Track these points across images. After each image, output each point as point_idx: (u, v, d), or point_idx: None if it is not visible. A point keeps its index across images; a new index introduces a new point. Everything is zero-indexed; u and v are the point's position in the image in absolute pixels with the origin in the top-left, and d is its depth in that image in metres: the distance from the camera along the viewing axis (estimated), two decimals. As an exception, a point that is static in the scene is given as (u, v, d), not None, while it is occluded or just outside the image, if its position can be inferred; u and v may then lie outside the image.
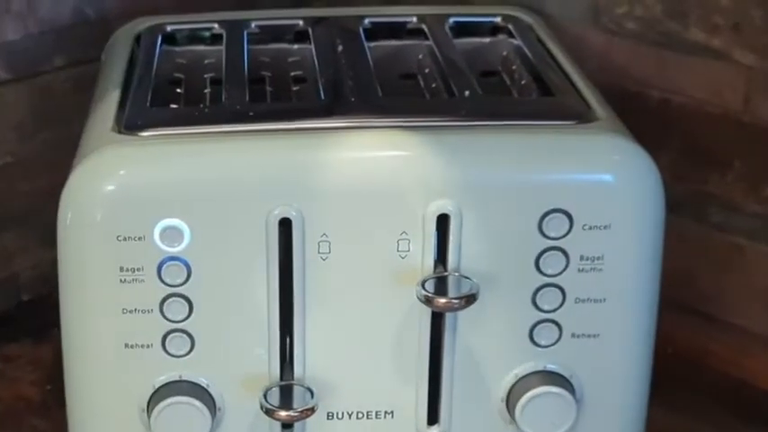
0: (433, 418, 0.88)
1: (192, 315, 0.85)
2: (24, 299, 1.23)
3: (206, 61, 1.02)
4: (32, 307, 1.22)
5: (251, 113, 0.86)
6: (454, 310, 0.81)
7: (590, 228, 0.83)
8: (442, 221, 0.82)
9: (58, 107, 1.18)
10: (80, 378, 0.88)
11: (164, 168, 0.83)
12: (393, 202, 0.82)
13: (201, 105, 0.91)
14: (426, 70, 1.00)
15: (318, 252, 0.83)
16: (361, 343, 0.86)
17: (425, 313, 0.84)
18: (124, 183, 0.82)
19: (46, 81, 1.17)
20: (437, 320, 0.85)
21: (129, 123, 0.86)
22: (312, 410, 0.84)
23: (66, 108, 1.16)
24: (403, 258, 0.83)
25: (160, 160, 0.83)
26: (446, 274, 0.82)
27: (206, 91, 0.98)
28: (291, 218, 0.82)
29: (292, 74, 1.01)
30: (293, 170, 0.82)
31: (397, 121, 0.85)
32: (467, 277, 0.82)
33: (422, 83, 1.00)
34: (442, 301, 0.80)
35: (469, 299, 0.80)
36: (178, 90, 0.99)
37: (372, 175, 0.82)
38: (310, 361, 0.86)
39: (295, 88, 0.99)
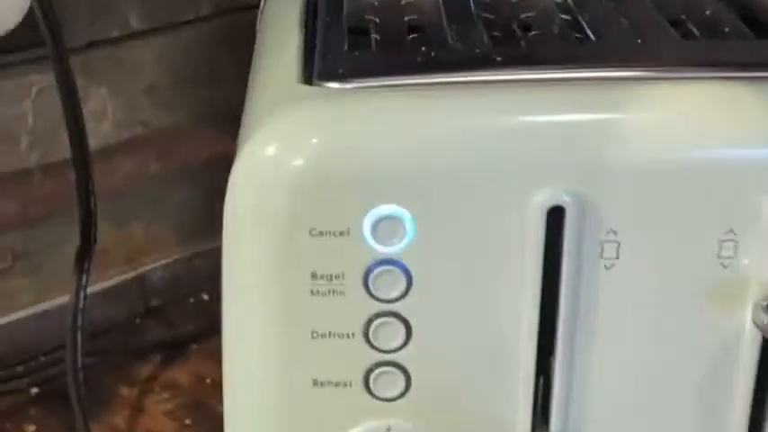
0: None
1: (410, 343, 0.59)
2: (153, 304, 1.00)
3: (403, 1, 0.76)
4: (163, 315, 0.99)
5: (499, 58, 0.60)
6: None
7: None
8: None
9: (203, 64, 0.94)
10: (247, 427, 0.63)
11: (380, 133, 0.57)
12: (718, 184, 0.56)
13: (424, 49, 0.65)
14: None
15: (602, 257, 0.57)
16: (650, 389, 0.60)
17: (752, 350, 0.58)
18: (321, 155, 0.57)
19: (188, 34, 0.93)
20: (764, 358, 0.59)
21: (326, 71, 0.61)
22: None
23: (215, 66, 0.92)
24: (725, 268, 0.57)
25: (374, 122, 0.57)
26: (794, 292, 0.56)
27: (410, 37, 0.72)
28: (565, 206, 0.56)
29: (522, 15, 0.75)
30: (573, 137, 0.56)
31: (713, 71, 0.59)
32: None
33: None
34: (798, 332, 0.54)
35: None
36: (372, 36, 0.74)
37: (686, 145, 0.56)
38: (576, 413, 0.60)
39: (529, 33, 0.74)
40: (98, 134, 0.87)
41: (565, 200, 0.56)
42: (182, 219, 0.98)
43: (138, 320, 0.98)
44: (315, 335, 0.60)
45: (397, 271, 0.58)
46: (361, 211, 0.57)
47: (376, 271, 0.58)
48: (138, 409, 0.87)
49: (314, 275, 0.58)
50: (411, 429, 0.61)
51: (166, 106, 0.93)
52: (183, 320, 0.98)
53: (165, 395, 0.89)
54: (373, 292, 0.58)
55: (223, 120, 0.84)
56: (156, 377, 0.91)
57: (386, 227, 0.57)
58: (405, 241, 0.58)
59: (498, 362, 0.60)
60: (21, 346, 0.90)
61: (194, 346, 0.93)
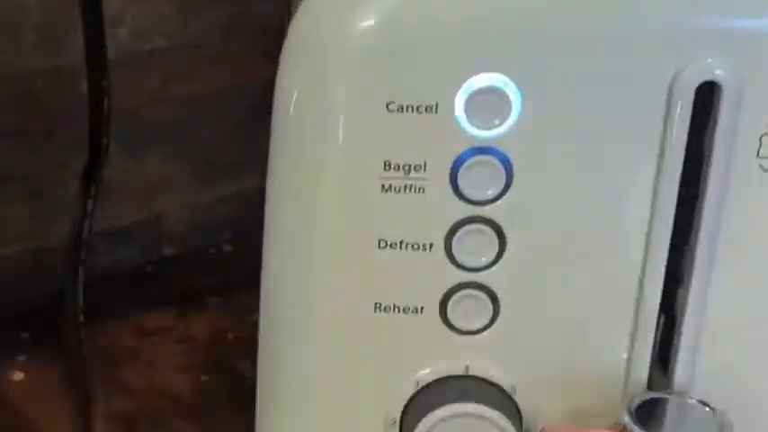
0: None
1: (504, 260, 0.47)
2: (167, 253, 0.87)
3: None
4: (179, 264, 0.86)
5: None
6: None
7: None
8: None
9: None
10: (289, 361, 0.50)
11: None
12: None
13: None
14: None
15: (758, 155, 0.45)
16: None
17: None
18: (398, 10, 0.45)
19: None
20: None
21: None
22: (723, 448, 0.45)
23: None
24: None
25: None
26: None
27: None
28: (720, 83, 0.44)
29: None
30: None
31: None
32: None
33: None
34: None
35: None
36: None
37: None
38: (706, 358, 0.48)
39: None
40: (112, 43, 0.74)
41: (720, 75, 0.44)
42: (206, 154, 0.85)
43: (149, 268, 0.85)
44: (383, 244, 0.47)
45: (495, 162, 0.46)
46: (453, 81, 0.44)
47: (468, 161, 0.46)
48: (147, 363, 0.74)
49: (387, 165, 0.46)
50: (494, 372, 0.49)
51: (195, 17, 0.80)
52: (200, 272, 0.85)
53: (179, 349, 0.76)
54: (462, 190, 0.46)
55: (261, 37, 0.72)
56: (168, 330, 0.78)
57: (485, 103, 0.45)
58: (509, 123, 0.45)
59: (612, 290, 0.47)
60: (12, 284, 0.78)
61: (213, 299, 0.81)
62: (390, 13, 0.45)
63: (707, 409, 0.47)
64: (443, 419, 0.48)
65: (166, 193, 0.86)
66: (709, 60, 0.43)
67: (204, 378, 0.73)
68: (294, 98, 0.46)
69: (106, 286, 0.79)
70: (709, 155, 0.45)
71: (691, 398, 0.48)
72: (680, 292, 0.47)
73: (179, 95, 0.83)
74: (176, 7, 0.80)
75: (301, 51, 0.46)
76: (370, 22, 0.45)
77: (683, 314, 0.47)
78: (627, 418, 0.46)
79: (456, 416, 0.48)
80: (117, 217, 0.84)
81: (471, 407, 0.48)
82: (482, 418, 0.48)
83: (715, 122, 0.44)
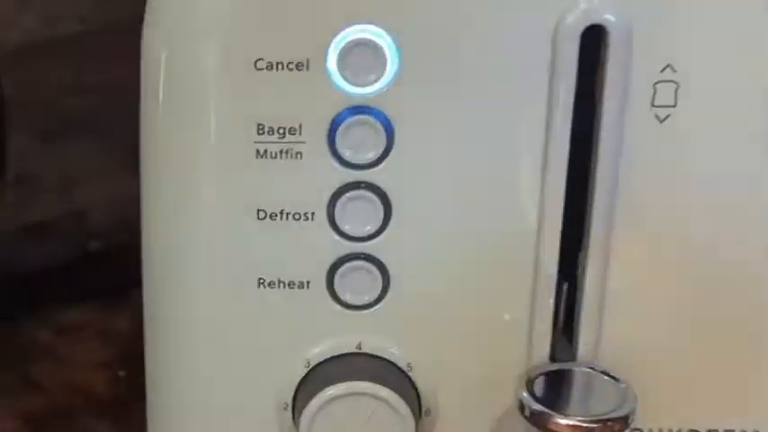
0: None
1: (389, 226, 0.44)
2: (93, 248, 0.84)
3: None
4: (104, 259, 0.83)
5: None
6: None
7: None
8: None
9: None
10: (169, 341, 0.47)
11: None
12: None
13: None
14: None
15: (653, 104, 0.42)
16: (709, 294, 0.44)
17: None
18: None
19: None
20: None
21: None
22: (626, 423, 0.42)
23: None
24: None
25: None
26: None
27: None
28: (606, 26, 0.41)
29: None
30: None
31: None
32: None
33: None
34: None
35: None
36: None
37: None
38: (608, 327, 0.45)
39: None
40: (19, 27, 0.71)
41: (607, 18, 0.41)
42: (130, 144, 0.82)
43: (73, 265, 0.82)
44: (262, 215, 0.44)
45: (374, 122, 0.42)
46: (325, 34, 0.42)
47: (345, 122, 0.43)
48: (60, 359, 0.71)
49: (261, 129, 0.43)
50: (388, 348, 0.46)
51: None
52: (125, 267, 0.82)
53: (96, 344, 0.73)
54: (341, 152, 0.43)
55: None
56: (87, 325, 0.75)
57: (359, 57, 0.42)
58: (385, 79, 0.42)
59: (507, 257, 0.44)
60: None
61: (137, 293, 0.78)
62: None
63: (611, 379, 0.44)
64: (334, 399, 0.45)
65: (90, 185, 0.83)
66: (596, 3, 0.41)
67: (122, 374, 0.70)
68: (160, 60, 0.43)
69: (28, 283, 0.76)
70: (600, 105, 0.42)
71: (594, 368, 0.45)
72: (579, 256, 0.45)
73: (97, 83, 0.80)
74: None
75: (164, 10, 0.43)
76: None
77: (582, 281, 0.44)
78: (524, 393, 0.43)
79: (347, 395, 0.45)
80: (39, 212, 0.81)
81: (363, 386, 0.45)
82: (375, 397, 0.45)
83: (603, 69, 0.41)
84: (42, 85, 0.75)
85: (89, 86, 0.79)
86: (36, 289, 0.78)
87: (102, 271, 0.82)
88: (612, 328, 0.45)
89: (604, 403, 0.43)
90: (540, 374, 0.44)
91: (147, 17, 0.44)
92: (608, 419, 0.42)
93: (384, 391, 0.45)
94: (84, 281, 0.81)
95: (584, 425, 0.42)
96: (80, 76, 0.78)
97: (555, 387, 0.44)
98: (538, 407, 0.43)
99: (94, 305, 0.78)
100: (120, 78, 0.80)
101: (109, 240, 0.84)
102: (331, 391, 0.45)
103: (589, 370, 0.44)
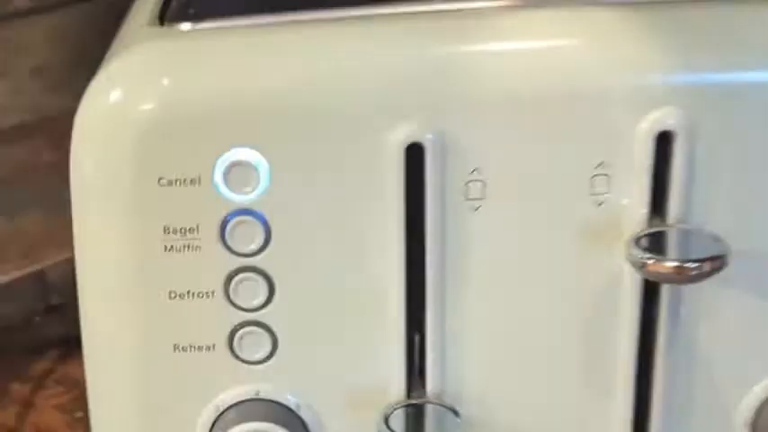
0: (639, 454, 0.58)
1: (274, 299, 0.56)
2: (54, 302, 0.95)
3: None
4: (64, 313, 0.94)
5: (355, -5, 0.57)
6: (690, 280, 0.51)
7: None
8: (663, 144, 0.53)
9: (97, 43, 0.90)
10: (108, 398, 0.59)
11: (229, 73, 0.54)
12: (584, 115, 0.53)
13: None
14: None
15: (466, 197, 0.54)
16: (529, 339, 0.56)
17: (633, 291, 0.55)
18: (170, 97, 0.54)
19: (80, 11, 0.89)
20: (650, 302, 0.55)
21: (178, 12, 0.57)
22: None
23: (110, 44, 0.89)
24: (599, 206, 0.54)
25: (224, 62, 0.54)
26: (670, 227, 0.53)
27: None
28: (425, 144, 0.53)
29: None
30: (429, 70, 0.53)
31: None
32: (708, 233, 0.52)
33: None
34: (671, 265, 0.50)
35: (715, 264, 0.50)
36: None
37: (555, 74, 0.53)
38: (452, 368, 0.57)
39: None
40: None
41: (424, 136, 0.53)
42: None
43: (36, 318, 0.93)
44: (173, 295, 0.56)
45: (254, 221, 0.55)
46: (211, 156, 0.54)
47: (232, 222, 0.55)
48: (28, 404, 0.83)
49: (167, 230, 0.55)
50: (280, 393, 0.58)
51: (57, 90, 0.89)
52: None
53: (59, 390, 0.84)
54: (230, 245, 0.55)
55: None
56: (50, 372, 0.86)
57: (238, 173, 0.54)
58: (260, 188, 0.54)
59: (369, 318, 0.56)
60: None
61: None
62: (162, 102, 0.53)
63: (453, 413, 0.56)
64: (238, 437, 0.57)
65: (48, 248, 0.95)
66: (413, 126, 0.53)
67: (79, 414, 0.81)
68: (85, 177, 0.55)
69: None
70: (425, 202, 0.54)
71: (441, 405, 0.57)
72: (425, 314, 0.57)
73: (50, 161, 0.91)
74: (39, 84, 0.89)
75: (87, 135, 0.55)
76: (147, 110, 0.54)
77: (424, 333, 0.56)
78: (381, 424, 0.55)
79: (248, 432, 0.57)
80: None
81: (260, 425, 0.57)
82: (270, 433, 0.57)
83: (424, 175, 0.53)
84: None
85: (44, 167, 0.90)
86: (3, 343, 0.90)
87: (61, 324, 0.93)
88: (455, 368, 0.57)
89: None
90: (396, 409, 0.56)
91: (77, 134, 0.56)
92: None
93: (276, 428, 0.57)
94: (44, 333, 0.92)
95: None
96: (34, 158, 0.89)
97: (408, 419, 0.56)
98: (396, 437, 0.55)
99: (54, 353, 0.89)
100: (67, 159, 0.92)
101: (66, 296, 0.96)
102: (235, 429, 0.57)
103: (439, 406, 0.56)
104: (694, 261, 0.50)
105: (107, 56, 0.58)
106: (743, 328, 0.55)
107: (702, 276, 0.50)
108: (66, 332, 0.92)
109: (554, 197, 0.54)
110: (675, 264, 0.50)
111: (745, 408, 0.56)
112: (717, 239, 0.51)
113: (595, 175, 0.53)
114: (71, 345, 0.90)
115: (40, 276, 0.95)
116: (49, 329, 0.93)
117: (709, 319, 0.55)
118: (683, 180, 0.53)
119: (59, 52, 0.89)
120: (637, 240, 0.51)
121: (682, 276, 0.50)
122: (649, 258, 0.50)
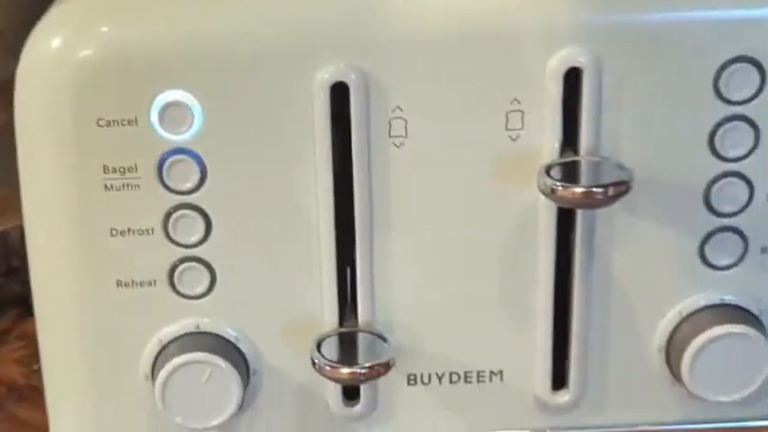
0: (559, 378, 0.62)
1: (211, 235, 0.59)
2: (15, 264, 0.98)
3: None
4: (24, 273, 0.97)
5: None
6: (597, 204, 0.54)
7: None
8: (572, 80, 0.56)
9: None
10: (55, 337, 0.62)
11: (163, 19, 0.56)
12: (498, 54, 0.56)
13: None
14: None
15: (390, 135, 0.57)
16: (453, 271, 0.59)
17: (548, 221, 0.58)
18: (108, 43, 0.56)
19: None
20: (566, 231, 0.59)
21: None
22: (387, 366, 0.57)
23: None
24: (514, 141, 0.57)
25: (159, 9, 0.57)
26: (580, 158, 0.56)
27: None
28: (349, 83, 0.56)
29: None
30: (351, 10, 0.56)
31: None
32: (614, 162, 0.55)
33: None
34: (578, 191, 0.53)
35: (619, 188, 0.54)
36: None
37: (470, 15, 0.56)
38: (382, 298, 0.60)
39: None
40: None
41: (347, 76, 0.56)
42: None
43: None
44: (114, 232, 0.59)
45: (190, 160, 0.58)
46: (147, 98, 0.56)
47: (168, 161, 0.57)
48: (-11, 359, 0.86)
49: (106, 169, 0.58)
50: (219, 326, 0.61)
51: (12, 53, 0.92)
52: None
53: (18, 345, 0.87)
54: (168, 183, 0.58)
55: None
56: (11, 330, 0.89)
57: (173, 114, 0.57)
58: (194, 128, 0.57)
59: (302, 252, 0.59)
60: None
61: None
62: (101, 47, 0.56)
63: (382, 340, 0.59)
64: (182, 366, 0.60)
65: (9, 211, 0.97)
66: (338, 65, 0.56)
67: (36, 366, 0.84)
68: (28, 122, 0.58)
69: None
70: (350, 139, 0.57)
71: (371, 332, 0.60)
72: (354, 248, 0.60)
73: (6, 124, 0.94)
74: None
75: (29, 76, 0.58)
76: (86, 56, 0.57)
77: (355, 266, 0.60)
78: (313, 351, 0.58)
79: (189, 363, 0.60)
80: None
81: (200, 355, 0.60)
82: (212, 365, 0.60)
83: (349, 113, 0.56)
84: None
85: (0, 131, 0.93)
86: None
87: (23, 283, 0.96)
88: (385, 298, 0.60)
89: (374, 355, 0.58)
90: (329, 336, 0.59)
91: (20, 79, 0.58)
92: (374, 365, 0.57)
93: (215, 358, 0.60)
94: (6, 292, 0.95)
95: (358, 370, 0.57)
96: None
97: (346, 348, 0.59)
98: (324, 361, 0.58)
99: (14, 312, 0.92)
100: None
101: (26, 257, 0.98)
102: (176, 360, 0.59)
103: (364, 333, 0.60)
104: (600, 186, 0.53)
105: (52, 5, 0.61)
106: (653, 255, 0.59)
107: (608, 200, 0.53)
108: (25, 292, 0.95)
109: (472, 134, 0.57)
110: (582, 189, 0.53)
111: (660, 332, 0.60)
112: (621, 167, 0.54)
113: (510, 111, 0.56)
114: (31, 304, 0.93)
115: (1, 239, 0.97)
116: (9, 289, 0.95)
117: (621, 247, 0.59)
118: (592, 114, 0.56)
119: (14, 16, 0.92)
120: (548, 170, 0.55)
121: (589, 201, 0.53)
122: (558, 185, 0.53)
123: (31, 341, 0.90)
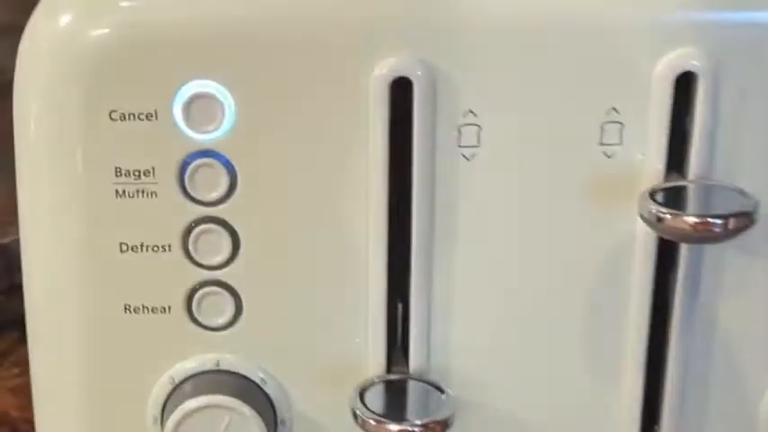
0: (647, 433, 0.52)
1: (238, 256, 0.50)
2: (18, 281, 0.89)
3: None
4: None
5: None
6: (712, 238, 0.44)
7: None
8: (682, 88, 0.47)
9: None
10: (49, 368, 0.53)
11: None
12: (594, 53, 0.47)
13: None
14: None
15: (459, 145, 0.48)
16: (527, 310, 0.50)
17: (646, 255, 0.48)
18: (127, 20, 0.47)
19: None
20: (666, 272, 0.49)
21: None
22: (445, 425, 0.48)
23: None
24: (609, 158, 0.47)
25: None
26: (690, 182, 0.47)
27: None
28: (413, 79, 0.47)
29: None
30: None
31: None
32: (733, 188, 0.46)
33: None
34: (692, 220, 0.44)
35: (741, 221, 0.44)
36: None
37: (564, 5, 0.47)
38: (438, 341, 0.51)
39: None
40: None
41: (412, 71, 0.47)
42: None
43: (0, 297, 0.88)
44: (124, 248, 0.50)
45: (217, 164, 0.48)
46: (171, 88, 0.47)
47: (192, 165, 0.48)
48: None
49: (118, 171, 0.48)
50: (243, 364, 0.51)
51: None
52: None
53: (14, 372, 0.78)
54: (190, 191, 0.49)
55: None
56: (7, 354, 0.80)
57: (201, 108, 0.47)
58: (224, 127, 0.48)
59: (345, 281, 0.50)
60: None
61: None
62: (118, 27, 0.48)
63: (439, 391, 0.50)
64: (194, 411, 0.50)
65: (12, 224, 0.88)
66: (400, 58, 0.47)
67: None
68: (29, 111, 0.49)
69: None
70: (411, 146, 0.48)
71: (424, 381, 0.50)
72: (409, 280, 0.50)
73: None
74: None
75: (34, 61, 0.49)
76: (101, 35, 0.48)
77: (408, 300, 0.50)
78: (356, 401, 0.49)
79: (206, 407, 0.50)
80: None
81: (219, 399, 0.51)
82: (233, 412, 0.50)
83: (411, 116, 0.47)
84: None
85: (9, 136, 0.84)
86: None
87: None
88: (442, 340, 0.51)
89: (428, 410, 0.49)
90: (375, 384, 0.50)
91: (20, 63, 0.49)
92: (428, 422, 0.48)
93: (237, 403, 0.50)
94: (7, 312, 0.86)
95: (409, 428, 0.48)
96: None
97: (392, 398, 0.50)
98: (368, 414, 0.48)
99: (15, 334, 0.83)
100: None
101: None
102: (190, 403, 0.50)
103: (421, 382, 0.50)
104: (718, 216, 0.43)
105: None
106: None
107: (727, 235, 0.44)
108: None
109: (558, 148, 0.48)
110: (696, 219, 0.43)
111: (769, 396, 0.50)
112: (743, 194, 0.45)
113: (606, 123, 0.47)
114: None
115: (3, 252, 0.89)
116: (10, 309, 0.87)
117: (732, 294, 0.49)
118: (706, 129, 0.46)
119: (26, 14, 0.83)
120: (652, 194, 0.45)
121: (704, 234, 0.43)
122: (667, 212, 0.44)
123: (28, 368, 0.81)
